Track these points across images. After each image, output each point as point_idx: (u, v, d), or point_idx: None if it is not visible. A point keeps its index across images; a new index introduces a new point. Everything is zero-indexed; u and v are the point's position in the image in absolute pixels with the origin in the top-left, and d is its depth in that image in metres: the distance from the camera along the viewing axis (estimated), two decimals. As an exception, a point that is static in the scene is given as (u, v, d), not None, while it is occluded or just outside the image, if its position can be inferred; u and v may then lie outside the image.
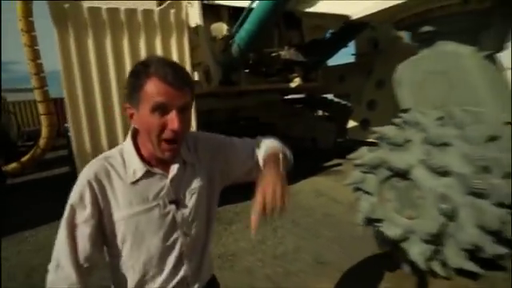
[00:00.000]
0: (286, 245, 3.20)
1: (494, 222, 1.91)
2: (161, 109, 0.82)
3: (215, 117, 6.49)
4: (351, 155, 2.58)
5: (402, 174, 2.25)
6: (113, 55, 3.39)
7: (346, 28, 4.66)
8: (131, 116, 0.89)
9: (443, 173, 2.07)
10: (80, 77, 3.31)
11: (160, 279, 0.95)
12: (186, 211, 0.96)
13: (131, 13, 3.36)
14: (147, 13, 3.41)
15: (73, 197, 0.85)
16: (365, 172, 2.54)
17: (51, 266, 0.85)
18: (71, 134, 3.41)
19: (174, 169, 0.93)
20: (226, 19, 5.35)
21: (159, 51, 3.55)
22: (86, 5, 3.20)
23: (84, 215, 0.84)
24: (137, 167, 0.90)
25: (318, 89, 6.36)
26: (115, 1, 3.32)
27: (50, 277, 0.84)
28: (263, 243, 3.23)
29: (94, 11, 3.25)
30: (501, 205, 1.96)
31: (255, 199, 0.84)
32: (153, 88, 0.82)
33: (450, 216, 2.02)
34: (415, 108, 2.70)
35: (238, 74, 5.24)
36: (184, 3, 3.61)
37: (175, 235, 0.95)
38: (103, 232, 0.89)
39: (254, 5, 3.80)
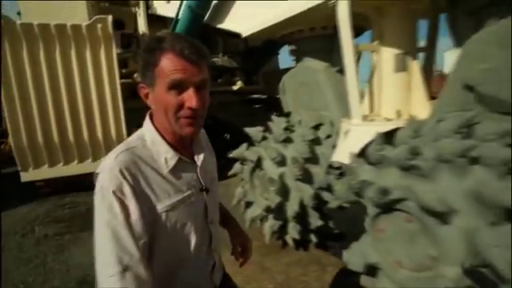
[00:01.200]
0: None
1: (312, 201, 2.50)
2: (178, 86, 0.77)
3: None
4: (234, 151, 3.12)
5: (258, 165, 2.82)
6: (46, 65, 3.88)
7: (268, 40, 5.24)
8: (146, 96, 0.83)
9: (281, 163, 2.64)
10: (16, 85, 3.81)
11: (195, 268, 0.93)
12: (212, 198, 0.97)
13: (61, 28, 3.86)
14: (76, 27, 3.91)
15: (109, 197, 0.74)
16: (242, 163, 3.11)
17: (115, 272, 0.70)
18: (10, 134, 3.90)
19: (202, 156, 0.92)
20: (170, 28, 5.90)
21: (89, 62, 4.05)
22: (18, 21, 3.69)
23: (130, 210, 0.75)
24: (168, 156, 0.84)
25: (259, 91, 6.92)
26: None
27: (120, 284, 0.70)
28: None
29: (27, 27, 3.73)
30: (320, 188, 2.54)
31: (247, 250, 1.20)
32: (168, 64, 0.76)
33: (285, 196, 2.61)
34: (295, 111, 3.29)
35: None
36: (109, 18, 4.10)
37: (207, 223, 0.95)
38: (147, 225, 0.79)
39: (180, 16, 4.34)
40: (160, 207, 0.81)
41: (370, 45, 2.53)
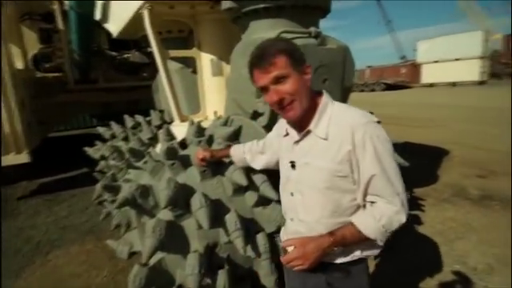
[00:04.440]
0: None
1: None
2: (263, 90, 1.01)
3: (114, 109, 7.04)
4: (90, 148, 3.26)
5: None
6: None
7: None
8: None
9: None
10: None
11: (287, 218, 1.20)
12: (299, 176, 1.07)
13: None
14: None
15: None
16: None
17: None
18: None
19: (298, 135, 1.08)
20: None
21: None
22: None
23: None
24: (284, 126, 1.16)
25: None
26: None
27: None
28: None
29: None
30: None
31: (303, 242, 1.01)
32: (253, 77, 1.02)
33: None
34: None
35: (96, 73, 5.85)
36: None
37: (287, 189, 1.14)
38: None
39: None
40: (279, 155, 1.22)
41: (186, 51, 2.70)
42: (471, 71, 27.12)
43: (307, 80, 1.01)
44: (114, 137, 3.02)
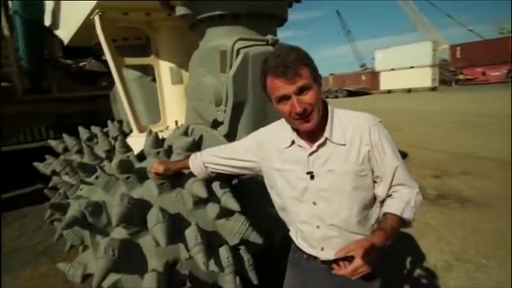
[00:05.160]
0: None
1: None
2: (283, 99, 0.99)
3: (72, 120, 6.58)
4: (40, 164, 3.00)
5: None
6: None
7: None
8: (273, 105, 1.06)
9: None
10: None
11: (295, 224, 1.20)
12: (321, 185, 1.06)
13: None
14: None
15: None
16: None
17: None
18: None
19: (315, 145, 1.06)
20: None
21: None
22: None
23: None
24: (287, 137, 1.11)
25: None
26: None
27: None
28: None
29: None
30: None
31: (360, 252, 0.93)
32: (270, 84, 1.00)
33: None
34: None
35: (50, 82, 5.47)
36: None
37: (306, 199, 1.10)
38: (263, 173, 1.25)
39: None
40: (274, 166, 1.16)
41: (143, 59, 2.61)
42: (424, 78, 29.23)
43: (321, 91, 1.05)
44: (66, 150, 2.81)
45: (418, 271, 2.68)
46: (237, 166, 1.33)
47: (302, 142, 1.09)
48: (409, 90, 29.95)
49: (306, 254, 1.20)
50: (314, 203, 1.09)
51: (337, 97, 32.35)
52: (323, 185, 1.06)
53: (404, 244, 3.08)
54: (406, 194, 1.07)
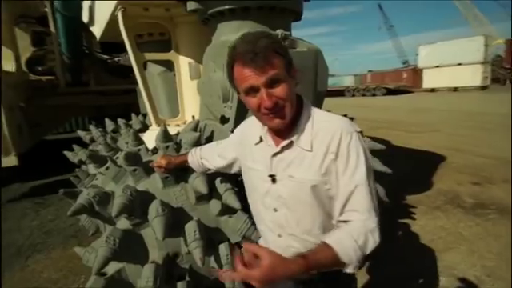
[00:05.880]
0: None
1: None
2: (251, 91, 0.86)
3: (108, 112, 7.03)
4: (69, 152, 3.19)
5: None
6: None
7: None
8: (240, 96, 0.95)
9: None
10: None
11: (260, 228, 1.15)
12: (281, 191, 0.96)
13: None
14: None
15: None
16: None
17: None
18: None
19: (279, 146, 0.95)
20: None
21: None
22: None
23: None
24: (257, 133, 1.02)
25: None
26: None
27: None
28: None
29: None
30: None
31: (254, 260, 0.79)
32: (238, 74, 0.86)
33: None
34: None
35: (88, 76, 5.84)
36: None
37: (268, 204, 1.02)
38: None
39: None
40: (247, 164, 1.08)
41: (163, 54, 2.65)
42: (473, 76, 26.98)
43: (294, 84, 0.92)
44: (93, 141, 2.97)
45: (442, 285, 2.49)
46: (226, 163, 1.28)
47: (270, 140, 0.99)
48: (455, 89, 27.88)
49: None
50: (275, 210, 1.00)
51: (374, 95, 31.01)
52: (283, 191, 0.96)
53: (428, 255, 2.88)
54: (357, 228, 0.86)
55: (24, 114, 5.31)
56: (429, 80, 30.42)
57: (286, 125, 0.91)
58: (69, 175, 2.57)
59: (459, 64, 27.66)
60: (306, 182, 0.91)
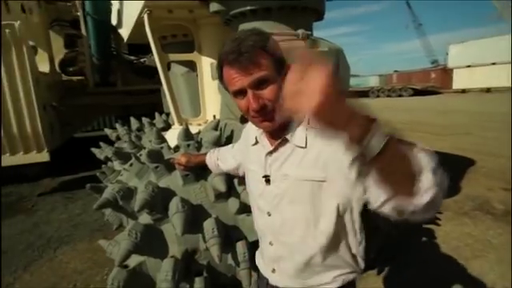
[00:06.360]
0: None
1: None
2: (239, 93, 0.82)
3: (135, 111, 7.32)
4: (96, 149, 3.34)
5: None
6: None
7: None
8: None
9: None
10: None
11: (265, 241, 1.02)
12: (275, 192, 0.91)
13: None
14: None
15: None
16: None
17: None
18: None
19: (272, 146, 0.92)
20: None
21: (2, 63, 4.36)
22: None
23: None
24: (254, 134, 1.00)
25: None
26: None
27: None
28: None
29: None
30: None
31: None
32: (225, 76, 0.82)
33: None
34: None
35: (115, 77, 6.09)
36: (16, 24, 4.38)
37: (262, 207, 0.97)
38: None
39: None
40: (247, 166, 1.06)
41: (186, 55, 2.71)
42: (507, 76, 25.50)
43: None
44: (119, 138, 3.09)
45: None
46: (235, 165, 1.26)
47: (265, 141, 0.94)
48: (488, 90, 26.48)
49: (261, 272, 1.06)
50: (269, 214, 0.94)
51: (401, 95, 30.06)
52: (277, 192, 0.90)
53: (451, 263, 2.76)
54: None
55: (56, 112, 5.61)
56: (459, 80, 29.07)
57: (275, 127, 0.86)
58: (96, 171, 2.69)
59: (493, 63, 26.24)
60: (300, 179, 0.86)
